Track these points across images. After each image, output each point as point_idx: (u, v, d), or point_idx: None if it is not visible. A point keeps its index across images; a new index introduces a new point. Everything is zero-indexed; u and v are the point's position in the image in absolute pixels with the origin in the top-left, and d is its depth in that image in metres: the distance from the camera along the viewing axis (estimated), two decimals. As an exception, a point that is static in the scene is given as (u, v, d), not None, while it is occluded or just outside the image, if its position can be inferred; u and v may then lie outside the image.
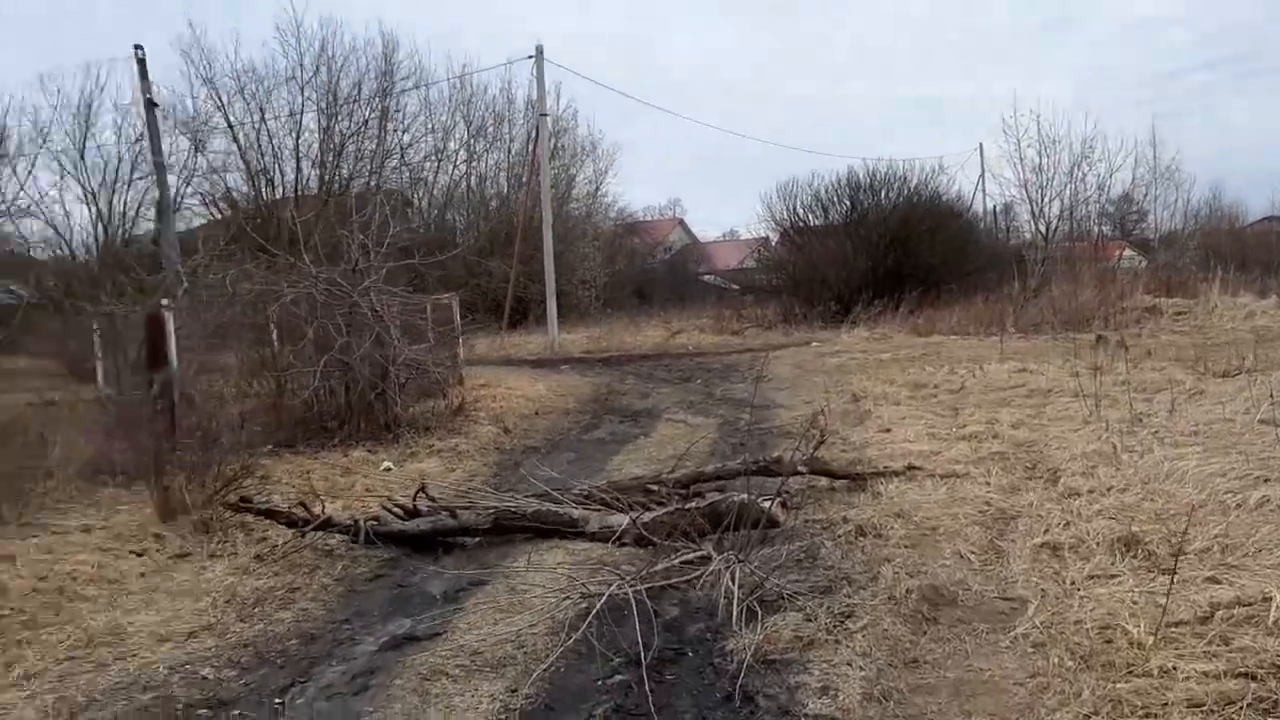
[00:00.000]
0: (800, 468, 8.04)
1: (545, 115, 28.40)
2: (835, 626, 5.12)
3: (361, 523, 7.44)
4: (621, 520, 6.99)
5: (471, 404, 14.03)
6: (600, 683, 4.74)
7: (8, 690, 4.89)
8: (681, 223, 58.46)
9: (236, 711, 4.67)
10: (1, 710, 4.65)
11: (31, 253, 31.73)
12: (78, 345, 15.54)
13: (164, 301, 10.43)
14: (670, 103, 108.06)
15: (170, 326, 9.50)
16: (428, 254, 16.01)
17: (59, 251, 32.08)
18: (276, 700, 4.77)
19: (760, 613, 5.26)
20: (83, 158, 32.13)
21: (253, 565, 7.04)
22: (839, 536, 6.75)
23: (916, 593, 5.46)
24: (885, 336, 23.15)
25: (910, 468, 8.37)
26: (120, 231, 32.62)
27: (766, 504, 6.80)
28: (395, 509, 7.70)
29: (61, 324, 17.25)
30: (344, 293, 12.09)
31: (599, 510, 7.40)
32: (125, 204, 32.74)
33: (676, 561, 6.11)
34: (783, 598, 5.54)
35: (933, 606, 5.33)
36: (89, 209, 32.51)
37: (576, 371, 20.57)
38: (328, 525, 7.47)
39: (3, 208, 28.52)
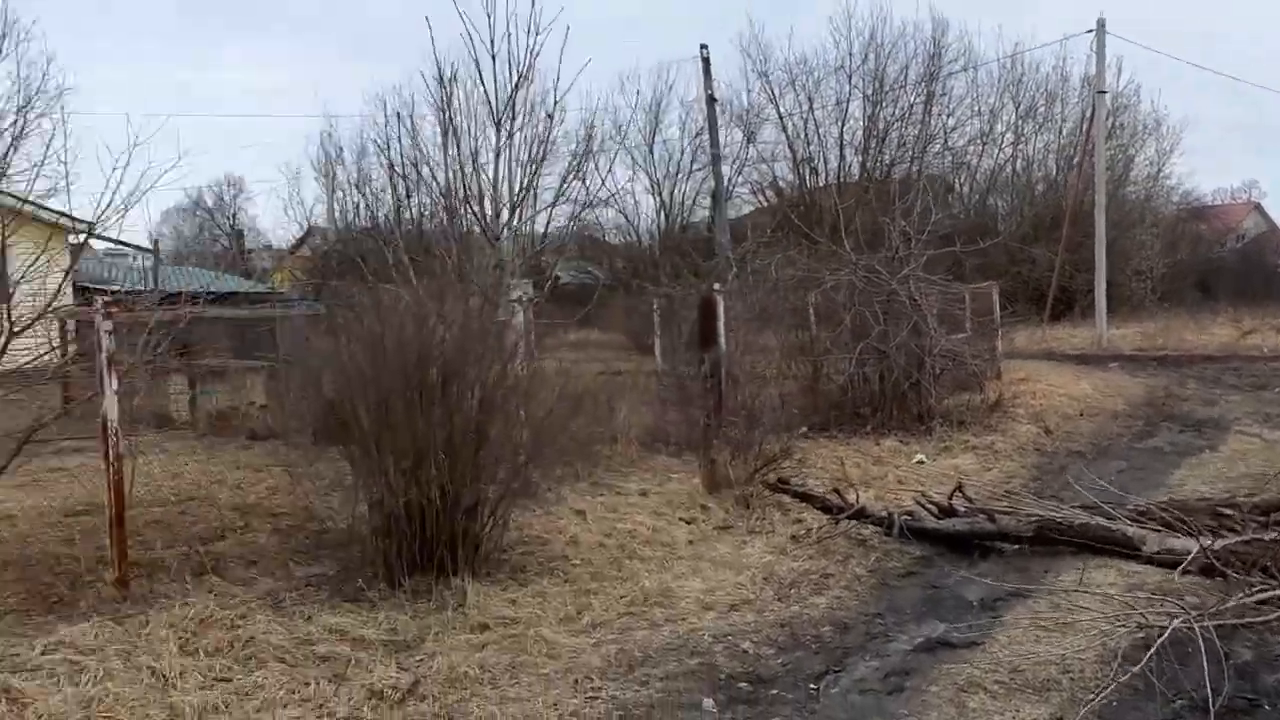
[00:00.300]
0: None
1: (1103, 93, 26.32)
2: None
3: (895, 516, 7.35)
4: (1186, 545, 6.21)
5: (1009, 400, 13.32)
6: (1160, 724, 4.21)
7: (579, 635, 5.42)
8: (1258, 207, 51.26)
9: (774, 690, 4.78)
10: (573, 652, 5.16)
11: (607, 239, 35.79)
12: (640, 322, 17.09)
13: (716, 285, 11.04)
14: (1251, 74, 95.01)
15: (721, 309, 10.05)
16: (968, 241, 15.57)
17: (628, 238, 35.88)
18: (812, 685, 4.82)
19: (1367, 674, 4.38)
20: (651, 152, 35.60)
21: (788, 546, 7.22)
22: None
23: None
24: None
25: None
26: (679, 219, 35.68)
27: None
28: (929, 505, 7.52)
29: (628, 303, 19.11)
30: (882, 280, 12.07)
31: (1157, 531, 6.64)
32: (684, 194, 35.84)
33: (1252, 599, 5.32)
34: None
35: None
36: (654, 199, 36.01)
37: (1126, 371, 18.93)
38: (861, 515, 7.47)
39: (588, 199, 32.45)
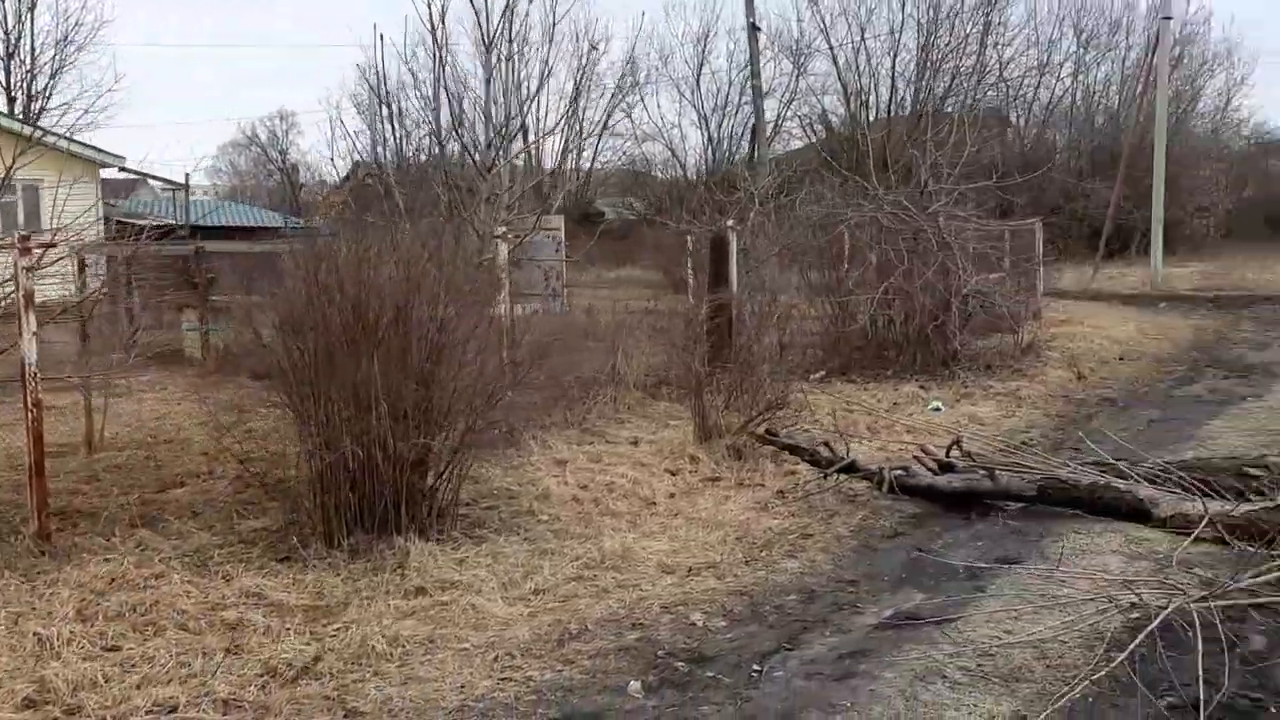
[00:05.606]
0: None
1: (1169, 19, 25.47)
2: None
3: (886, 472, 6.88)
4: (1205, 508, 5.71)
5: (1044, 343, 13.04)
6: (1140, 729, 3.71)
7: (516, 603, 4.96)
8: None
9: (712, 673, 4.28)
10: (502, 624, 4.71)
11: (654, 173, 35.28)
12: (675, 260, 16.65)
13: (729, 222, 10.63)
14: None
15: (733, 247, 9.57)
16: (1020, 175, 15.17)
17: (674, 173, 35.11)
18: (756, 667, 4.33)
19: (1382, 666, 3.88)
20: (698, 85, 34.93)
21: (773, 501, 6.79)
22: None
23: None
24: None
25: None
26: (728, 154, 34.99)
27: None
28: (927, 460, 7.03)
29: (663, 239, 18.61)
30: (910, 217, 11.66)
31: (1173, 493, 6.13)
32: (733, 128, 35.10)
33: (1274, 574, 4.81)
34: None
35: None
36: (701, 133, 35.39)
37: (1178, 312, 18.66)
38: (851, 469, 7.03)
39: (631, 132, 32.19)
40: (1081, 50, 35.55)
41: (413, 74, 12.79)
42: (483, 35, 10.30)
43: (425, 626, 4.63)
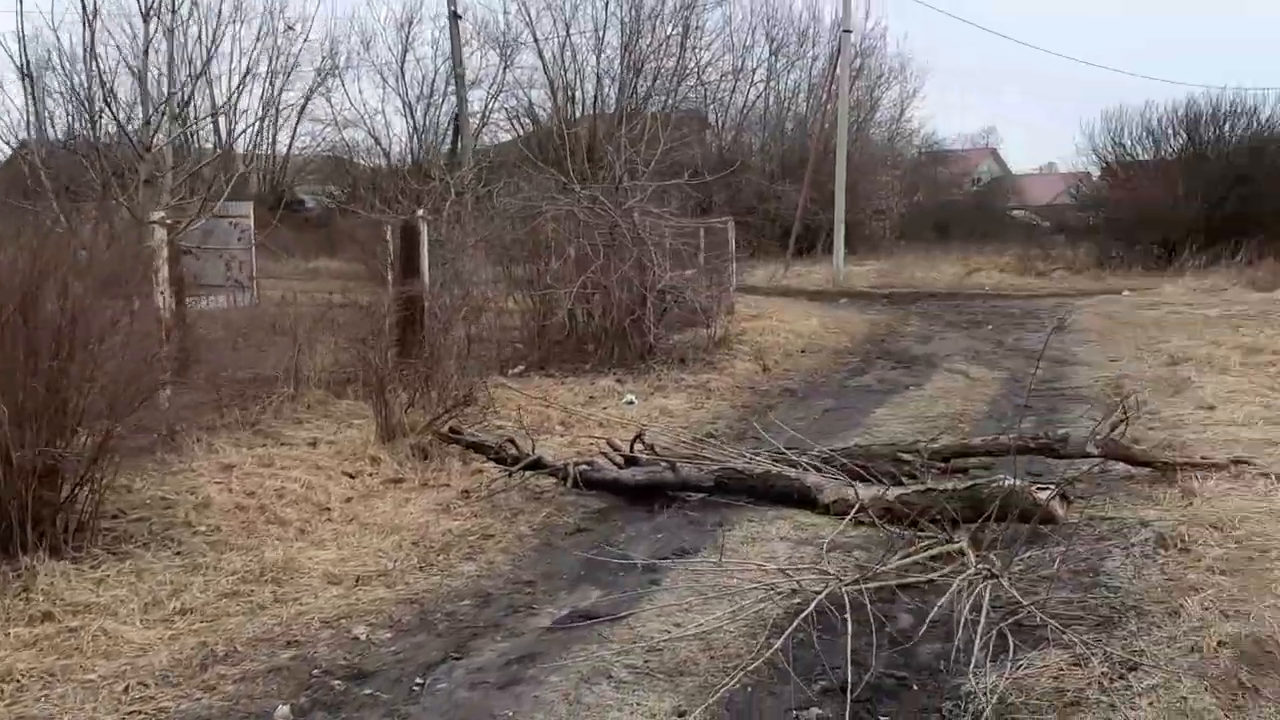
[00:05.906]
0: (1091, 449, 6.66)
1: (849, 32, 26.93)
2: (1113, 680, 3.88)
3: (570, 468, 6.84)
4: (862, 493, 6.00)
5: (735, 337, 13.51)
6: (794, 715, 3.80)
7: (156, 626, 4.54)
8: (994, 153, 53.72)
9: (370, 690, 4.04)
10: (139, 650, 4.29)
11: (357, 161, 33.75)
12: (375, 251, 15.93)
13: (419, 212, 10.32)
14: (995, 22, 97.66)
15: (423, 237, 9.25)
16: (715, 176, 15.54)
17: (378, 161, 33.76)
18: (418, 680, 4.12)
19: (1012, 642, 4.09)
20: (403, 72, 33.59)
21: (455, 502, 6.59)
22: (1132, 546, 5.35)
23: (1232, 646, 4.04)
24: (1216, 289, 20.16)
25: (1237, 461, 6.56)
26: (433, 143, 33.94)
27: (1042, 494, 5.61)
28: (613, 454, 7.05)
29: (366, 230, 17.81)
30: (606, 212, 11.74)
31: (839, 479, 6.44)
32: (438, 117, 34.03)
33: (920, 555, 5.11)
34: (1046, 625, 4.32)
35: (1255, 670, 3.89)
36: (406, 121, 34.11)
37: (856, 307, 19.70)
38: (537, 465, 6.94)
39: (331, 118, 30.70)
40: (773, 58, 37.36)
41: (59, 41, 11.57)
42: (140, 4, 9.48)
43: (48, 657, 4.14)
